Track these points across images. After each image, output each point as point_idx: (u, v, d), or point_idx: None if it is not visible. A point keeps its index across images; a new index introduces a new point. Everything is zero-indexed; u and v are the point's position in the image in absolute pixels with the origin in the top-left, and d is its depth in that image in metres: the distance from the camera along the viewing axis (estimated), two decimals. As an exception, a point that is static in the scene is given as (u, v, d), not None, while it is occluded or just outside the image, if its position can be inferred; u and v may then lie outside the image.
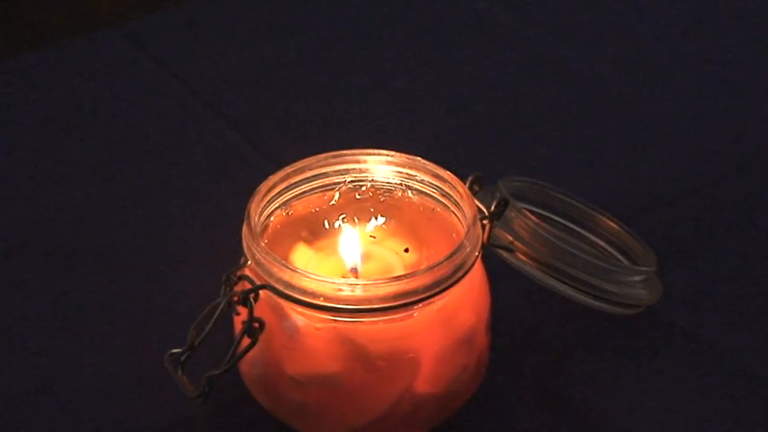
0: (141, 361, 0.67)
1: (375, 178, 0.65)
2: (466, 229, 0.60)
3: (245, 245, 0.60)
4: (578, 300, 0.66)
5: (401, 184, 0.65)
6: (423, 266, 0.60)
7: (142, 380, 0.66)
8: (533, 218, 0.65)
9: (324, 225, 0.64)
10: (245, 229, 0.60)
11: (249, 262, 0.60)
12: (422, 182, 0.64)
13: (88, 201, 0.80)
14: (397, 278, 0.58)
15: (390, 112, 0.89)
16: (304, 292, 0.58)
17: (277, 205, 0.64)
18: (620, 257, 0.71)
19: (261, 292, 0.59)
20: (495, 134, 0.87)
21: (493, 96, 0.90)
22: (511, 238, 0.65)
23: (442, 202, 0.64)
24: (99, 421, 0.65)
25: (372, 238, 0.64)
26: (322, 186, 0.65)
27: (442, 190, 0.64)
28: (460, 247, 0.59)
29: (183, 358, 0.61)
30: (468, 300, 0.61)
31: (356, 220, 0.65)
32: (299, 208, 0.65)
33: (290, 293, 0.58)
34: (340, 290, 0.58)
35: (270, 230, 0.64)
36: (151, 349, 0.67)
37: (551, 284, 0.65)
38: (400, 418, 0.60)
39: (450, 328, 0.60)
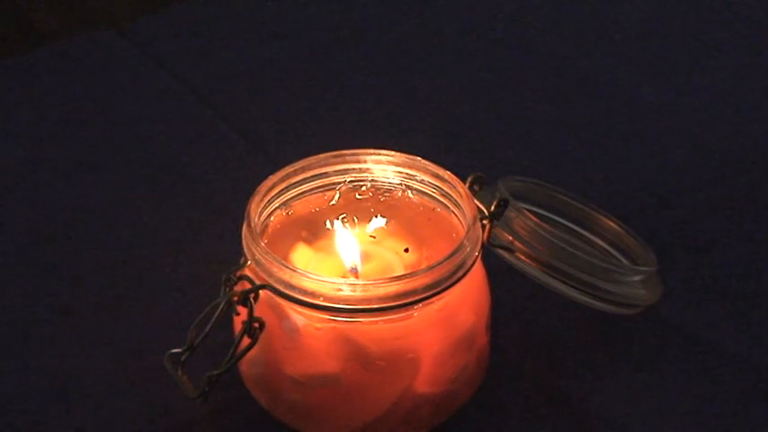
0: (141, 361, 0.67)
1: (375, 178, 0.65)
2: (466, 229, 0.60)
3: (245, 245, 0.60)
4: (578, 300, 0.66)
5: (401, 184, 0.65)
6: (423, 266, 0.60)
7: (142, 380, 0.66)
8: (533, 218, 0.65)
9: (324, 225, 0.64)
10: (245, 229, 0.60)
11: (249, 262, 0.60)
12: (422, 182, 0.64)
13: (88, 200, 0.80)
14: (397, 278, 0.58)
15: (390, 112, 0.89)
16: (304, 292, 0.58)
17: (277, 205, 0.64)
18: (620, 257, 0.71)
19: (261, 292, 0.59)
20: (495, 134, 0.87)
21: (493, 96, 0.90)
22: (511, 238, 0.65)
23: (442, 202, 0.64)
24: (99, 421, 0.65)
25: (372, 238, 0.64)
26: (322, 186, 0.65)
27: (442, 190, 0.64)
28: (460, 247, 0.59)
29: (183, 358, 0.61)
30: (468, 300, 0.61)
31: (356, 220, 0.65)
32: (299, 208, 0.65)
33: (290, 293, 0.58)
34: (340, 290, 0.58)
35: (270, 230, 0.64)
36: (151, 349, 0.67)
37: (551, 284, 0.65)
38: (400, 418, 0.60)
39: (450, 327, 0.60)
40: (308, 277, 0.58)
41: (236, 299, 0.59)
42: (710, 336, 0.70)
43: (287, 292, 0.58)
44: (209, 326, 0.59)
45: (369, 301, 0.57)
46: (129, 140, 0.86)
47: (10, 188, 0.82)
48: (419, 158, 0.64)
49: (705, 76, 0.92)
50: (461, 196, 0.62)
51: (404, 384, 0.59)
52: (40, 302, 0.72)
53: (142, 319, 0.71)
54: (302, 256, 0.63)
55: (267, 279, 0.59)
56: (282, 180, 0.64)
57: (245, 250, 0.60)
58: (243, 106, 0.89)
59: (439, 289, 0.58)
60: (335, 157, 0.65)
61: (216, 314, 0.59)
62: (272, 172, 0.64)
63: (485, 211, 0.63)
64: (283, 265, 0.58)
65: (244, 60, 0.94)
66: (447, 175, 0.63)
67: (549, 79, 0.92)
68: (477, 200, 0.63)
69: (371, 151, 0.65)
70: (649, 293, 0.68)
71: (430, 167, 0.64)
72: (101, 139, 0.86)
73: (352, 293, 0.57)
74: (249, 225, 0.60)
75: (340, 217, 0.64)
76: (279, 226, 0.64)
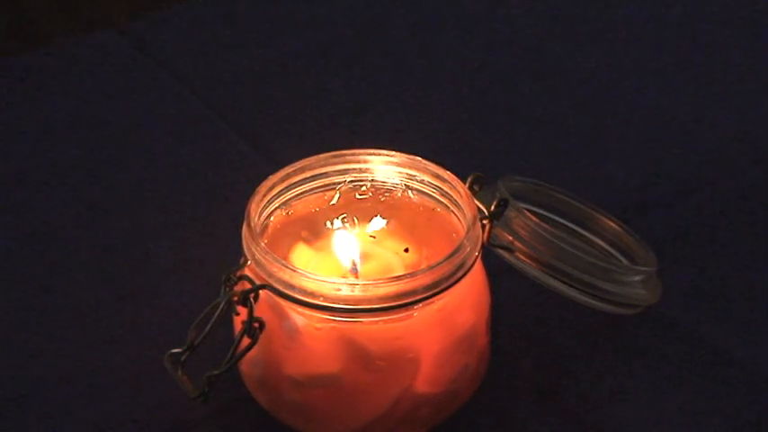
0: (141, 361, 0.67)
1: (375, 178, 0.65)
2: (466, 229, 0.60)
3: (245, 245, 0.60)
4: (578, 300, 0.66)
5: (401, 184, 0.65)
6: (423, 266, 0.60)
7: (142, 380, 0.66)
8: (533, 218, 0.65)
9: (324, 225, 0.64)
10: (245, 229, 0.60)
11: (249, 262, 0.60)
12: (422, 182, 0.64)
13: (88, 200, 0.80)
14: (397, 278, 0.58)
15: (391, 112, 0.89)
16: (304, 292, 0.58)
17: (277, 205, 0.64)
18: (620, 257, 0.71)
19: (261, 292, 0.59)
20: (495, 134, 0.87)
21: (493, 96, 0.90)
22: (511, 238, 0.65)
23: (442, 202, 0.64)
24: (99, 421, 0.65)
25: (372, 238, 0.64)
26: (322, 186, 0.65)
27: (442, 190, 0.64)
28: (460, 247, 0.59)
29: (183, 358, 0.62)
30: (468, 300, 0.61)
31: (356, 220, 0.65)
32: (299, 208, 0.65)
33: (290, 293, 0.58)
34: (340, 290, 0.58)
35: (270, 230, 0.64)
36: (151, 349, 0.67)
37: (551, 284, 0.65)
38: (400, 418, 0.60)
39: (450, 327, 0.60)
40: (308, 277, 0.58)
41: (236, 299, 0.59)
42: (710, 336, 0.70)
43: (287, 292, 0.58)
44: (209, 326, 0.59)
45: (369, 301, 0.57)
46: (129, 140, 0.86)
47: (10, 188, 0.82)
48: (419, 158, 0.64)
49: (705, 76, 0.92)
50: (461, 196, 0.62)
51: (404, 384, 0.59)
52: (39, 302, 0.72)
53: (142, 319, 0.71)
54: (302, 256, 0.63)
55: (267, 279, 0.59)
56: (282, 180, 0.64)
57: (245, 250, 0.60)
58: (243, 106, 0.89)
59: (439, 289, 0.58)
60: (335, 157, 0.65)
61: (216, 314, 0.59)
62: (272, 172, 0.64)
63: (485, 211, 0.63)
64: (283, 265, 0.58)
65: (244, 60, 0.94)
66: (447, 175, 0.63)
67: (549, 79, 0.92)
68: (478, 200, 0.63)
69: (371, 151, 0.65)
70: (649, 293, 0.68)
71: (430, 167, 0.64)
72: (101, 139, 0.86)
73: (351, 293, 0.57)
74: (249, 225, 0.60)
75: (340, 217, 0.64)
76: (279, 226, 0.64)
